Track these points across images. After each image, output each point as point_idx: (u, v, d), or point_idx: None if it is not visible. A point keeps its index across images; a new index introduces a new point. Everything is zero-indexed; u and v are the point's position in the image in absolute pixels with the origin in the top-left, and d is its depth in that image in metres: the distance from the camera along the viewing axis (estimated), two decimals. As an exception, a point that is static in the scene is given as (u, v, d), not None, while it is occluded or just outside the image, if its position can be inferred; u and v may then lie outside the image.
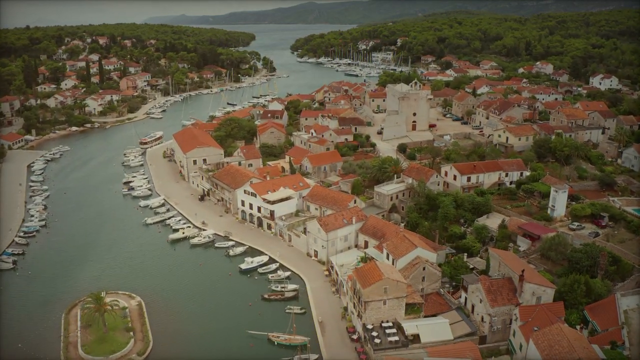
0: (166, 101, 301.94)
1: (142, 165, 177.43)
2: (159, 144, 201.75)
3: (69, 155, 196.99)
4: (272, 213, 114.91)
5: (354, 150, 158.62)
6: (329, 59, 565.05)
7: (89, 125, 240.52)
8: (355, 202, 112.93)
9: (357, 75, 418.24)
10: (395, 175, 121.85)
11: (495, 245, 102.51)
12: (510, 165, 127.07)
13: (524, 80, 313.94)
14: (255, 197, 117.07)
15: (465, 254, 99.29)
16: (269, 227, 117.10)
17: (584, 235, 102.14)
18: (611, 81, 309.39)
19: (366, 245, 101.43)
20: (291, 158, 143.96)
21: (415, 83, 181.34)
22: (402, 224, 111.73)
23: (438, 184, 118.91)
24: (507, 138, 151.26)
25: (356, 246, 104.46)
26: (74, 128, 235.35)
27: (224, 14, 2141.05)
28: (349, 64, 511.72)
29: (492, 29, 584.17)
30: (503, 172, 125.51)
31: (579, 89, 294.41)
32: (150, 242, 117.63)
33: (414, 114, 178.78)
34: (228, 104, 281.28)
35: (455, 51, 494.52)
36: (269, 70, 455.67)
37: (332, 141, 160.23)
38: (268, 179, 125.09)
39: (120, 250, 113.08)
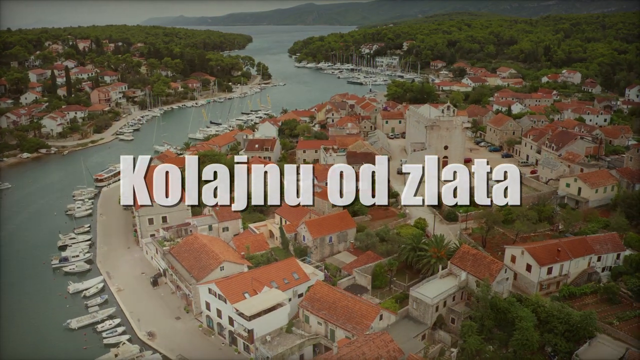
0: (142, 117, 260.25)
1: (90, 214, 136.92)
2: (119, 180, 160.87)
3: (8, 196, 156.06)
4: (250, 332, 74.19)
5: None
6: (330, 64, 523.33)
7: (43, 150, 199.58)
8: (381, 317, 72.40)
9: (361, 84, 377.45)
10: (440, 265, 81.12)
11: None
12: (604, 243, 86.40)
13: (554, 92, 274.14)
14: (225, 302, 76.49)
15: None
16: (247, 348, 76.48)
17: None
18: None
19: (404, 409, 61.14)
20: (283, 222, 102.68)
21: (448, 107, 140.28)
22: (454, 351, 71.50)
23: (507, 279, 78.18)
24: (579, 189, 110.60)
25: (385, 400, 64.06)
26: (26, 155, 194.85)
27: (222, 15, 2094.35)
28: (352, 69, 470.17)
29: (505, 31, 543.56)
30: (595, 256, 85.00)
31: (618, 103, 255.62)
32: (65, 370, 77.13)
33: (446, 147, 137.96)
34: (211, 122, 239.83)
35: (467, 56, 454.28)
36: (264, 77, 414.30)
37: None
38: (246, 269, 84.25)
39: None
